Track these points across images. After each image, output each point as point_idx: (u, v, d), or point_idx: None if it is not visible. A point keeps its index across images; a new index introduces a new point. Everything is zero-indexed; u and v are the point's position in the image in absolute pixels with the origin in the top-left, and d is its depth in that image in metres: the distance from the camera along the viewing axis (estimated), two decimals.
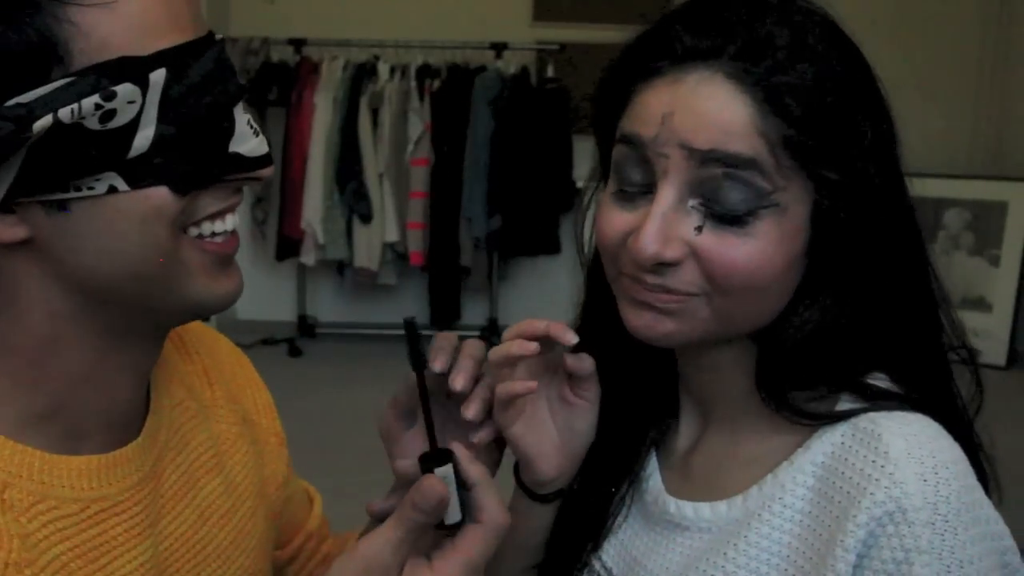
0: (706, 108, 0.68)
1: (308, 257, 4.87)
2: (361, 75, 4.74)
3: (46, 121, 0.61)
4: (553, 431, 0.82)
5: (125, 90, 0.63)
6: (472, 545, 0.68)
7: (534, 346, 0.76)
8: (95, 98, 0.62)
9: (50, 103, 0.61)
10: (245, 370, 0.93)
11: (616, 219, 0.74)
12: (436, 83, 4.75)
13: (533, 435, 0.81)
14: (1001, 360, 4.61)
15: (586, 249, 0.82)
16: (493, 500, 0.70)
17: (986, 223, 4.76)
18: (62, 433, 0.71)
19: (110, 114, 0.63)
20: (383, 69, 4.75)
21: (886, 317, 0.73)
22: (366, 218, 4.76)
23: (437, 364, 0.77)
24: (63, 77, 0.62)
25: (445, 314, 4.94)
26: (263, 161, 0.71)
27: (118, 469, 0.73)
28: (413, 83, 4.73)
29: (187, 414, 0.82)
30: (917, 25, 4.75)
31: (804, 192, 0.70)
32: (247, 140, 0.70)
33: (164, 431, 0.79)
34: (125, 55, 0.63)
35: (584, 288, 0.86)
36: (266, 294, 5.23)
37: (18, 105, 0.61)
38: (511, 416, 0.80)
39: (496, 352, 0.78)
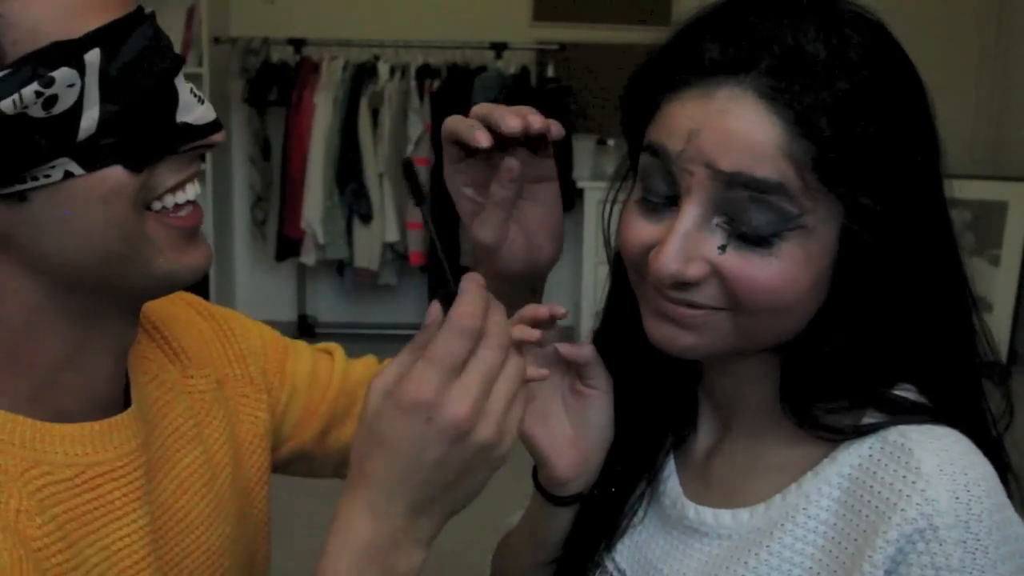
0: (734, 128, 0.66)
1: (308, 257, 4.86)
2: (361, 75, 4.73)
3: None
4: (567, 426, 0.81)
5: (63, 74, 0.64)
6: (436, 342, 0.67)
7: (537, 333, 0.75)
8: (34, 86, 0.63)
9: None
10: (210, 322, 0.93)
11: (640, 231, 0.72)
12: (436, 83, 4.75)
13: (545, 430, 0.80)
14: (1001, 360, 4.60)
15: (612, 242, 0.80)
16: (465, 303, 0.68)
17: (986, 223, 4.75)
18: (48, 413, 0.72)
19: (52, 100, 0.64)
20: (383, 69, 4.74)
21: (916, 331, 0.72)
22: (366, 218, 4.75)
23: (483, 140, 0.74)
24: None
25: (445, 314, 4.93)
26: (213, 127, 0.72)
27: (113, 435, 0.75)
28: (413, 83, 4.72)
29: (162, 388, 0.83)
30: (917, 25, 4.75)
31: (832, 212, 0.67)
32: (193, 109, 0.71)
33: (146, 403, 0.80)
34: (57, 40, 0.64)
35: (608, 286, 0.85)
36: (266, 294, 5.23)
37: None
38: None
39: None
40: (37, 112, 0.63)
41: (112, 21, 0.66)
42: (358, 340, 5.11)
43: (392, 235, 4.79)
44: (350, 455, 0.69)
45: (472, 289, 0.68)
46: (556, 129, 0.77)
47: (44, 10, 0.64)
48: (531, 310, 0.76)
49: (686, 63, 0.69)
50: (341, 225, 4.79)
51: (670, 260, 0.68)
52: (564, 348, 0.79)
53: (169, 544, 0.79)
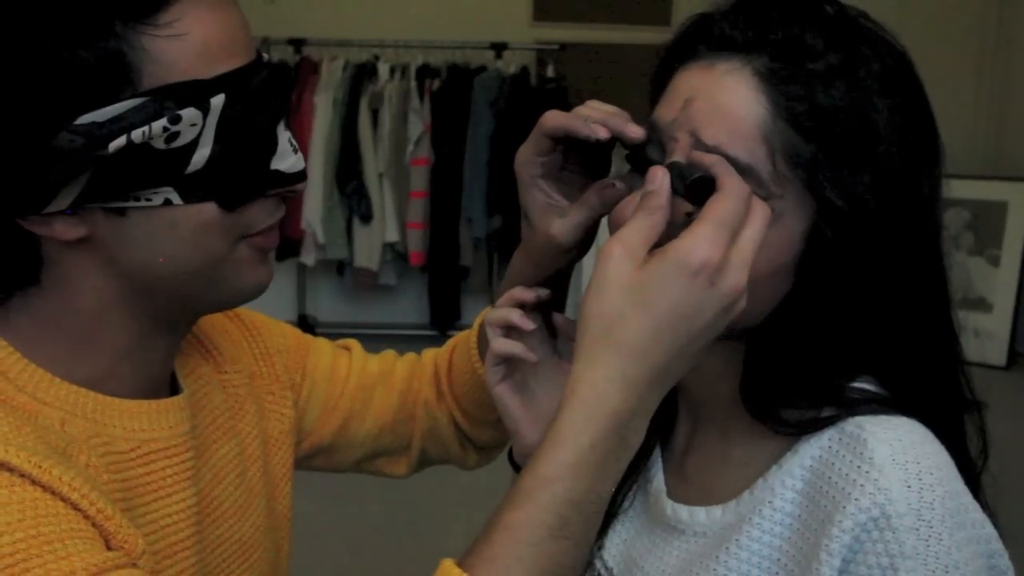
0: (724, 100, 0.69)
1: (308, 257, 4.87)
2: (361, 75, 4.74)
3: (120, 141, 0.66)
4: (542, 402, 0.83)
5: (189, 114, 0.68)
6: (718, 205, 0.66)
7: (531, 325, 0.78)
8: (163, 121, 0.67)
9: (122, 123, 0.66)
10: (236, 323, 0.97)
11: (627, 200, 0.73)
12: (436, 83, 4.75)
13: (521, 399, 0.82)
14: (1001, 360, 4.60)
15: None
16: (730, 171, 0.68)
17: (986, 223, 4.75)
18: (105, 393, 0.76)
19: (174, 135, 0.68)
20: (383, 69, 4.75)
21: (883, 330, 0.72)
22: (366, 218, 4.76)
23: (602, 133, 0.75)
24: (132, 98, 0.66)
25: (445, 314, 4.94)
26: (300, 176, 0.76)
27: (169, 415, 0.79)
28: (413, 83, 4.73)
29: (200, 381, 0.87)
30: (917, 25, 4.75)
31: (803, 206, 0.69)
32: (287, 157, 0.75)
33: (189, 393, 0.84)
34: (190, 79, 0.68)
35: None
36: (266, 294, 5.20)
37: (92, 123, 0.66)
38: (499, 373, 0.81)
39: (494, 315, 0.80)
40: (159, 144, 0.68)
41: (239, 67, 0.70)
42: (358, 340, 5.11)
43: (392, 235, 4.80)
44: (579, 323, 0.67)
45: (725, 163, 0.68)
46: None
47: (183, 50, 0.68)
48: (519, 293, 0.80)
49: (700, 37, 0.72)
50: (341, 225, 4.79)
51: (631, 207, 0.70)
52: (561, 320, 0.83)
53: (205, 531, 0.82)
